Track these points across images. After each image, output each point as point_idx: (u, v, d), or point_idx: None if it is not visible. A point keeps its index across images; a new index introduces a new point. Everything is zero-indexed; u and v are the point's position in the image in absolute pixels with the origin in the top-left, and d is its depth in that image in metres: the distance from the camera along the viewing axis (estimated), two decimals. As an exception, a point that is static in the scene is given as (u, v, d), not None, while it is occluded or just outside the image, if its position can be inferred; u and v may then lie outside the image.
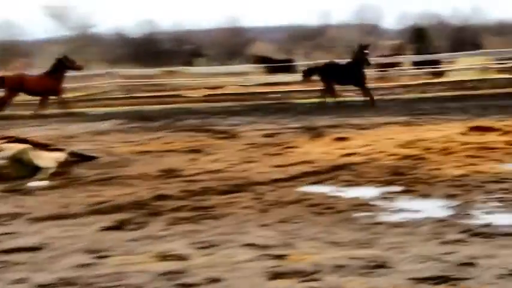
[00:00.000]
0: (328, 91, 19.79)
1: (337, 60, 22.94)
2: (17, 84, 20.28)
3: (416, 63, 32.93)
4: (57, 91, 20.45)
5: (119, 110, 20.48)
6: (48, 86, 20.28)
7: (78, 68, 22.01)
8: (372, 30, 69.08)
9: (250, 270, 4.07)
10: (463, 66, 30.52)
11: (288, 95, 26.34)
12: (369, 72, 31.47)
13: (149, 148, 10.47)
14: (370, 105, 18.16)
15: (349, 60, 20.61)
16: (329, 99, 19.49)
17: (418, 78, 29.90)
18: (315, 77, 20.54)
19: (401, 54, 35.99)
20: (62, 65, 20.73)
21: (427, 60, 31.94)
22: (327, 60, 23.34)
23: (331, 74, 19.71)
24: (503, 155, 8.20)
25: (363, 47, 19.97)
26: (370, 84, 29.72)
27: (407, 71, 30.37)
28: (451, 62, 33.26)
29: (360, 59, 19.63)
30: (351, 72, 19.45)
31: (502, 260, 4.05)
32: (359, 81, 19.49)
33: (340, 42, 64.37)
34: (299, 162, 8.34)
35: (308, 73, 20.90)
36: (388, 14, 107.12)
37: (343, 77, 19.63)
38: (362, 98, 19.40)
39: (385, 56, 37.65)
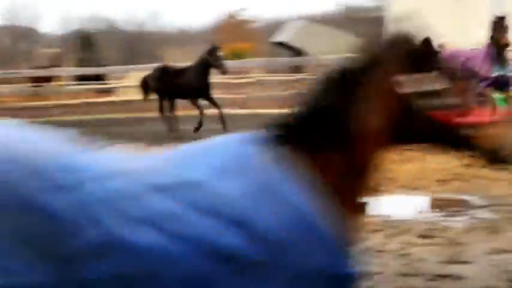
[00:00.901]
0: (162, 108, 17.73)
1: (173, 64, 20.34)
2: None
3: (79, 78, 32.58)
4: None
5: None
6: None
7: None
8: (27, 34, 68.01)
9: None
10: (136, 84, 30.78)
11: None
12: (17, 89, 30.57)
13: None
14: (223, 128, 16.00)
15: (191, 64, 18.13)
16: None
17: (79, 96, 29.46)
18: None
19: (59, 66, 35.55)
20: None
21: (92, 75, 31.70)
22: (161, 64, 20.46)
23: (166, 84, 17.69)
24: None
25: (214, 49, 17.58)
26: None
27: (68, 87, 29.95)
28: (121, 78, 33.42)
29: (210, 63, 17.41)
30: (195, 80, 17.24)
31: None
32: (206, 92, 17.39)
33: (-16, 48, 62.42)
34: None
35: (145, 87, 18.69)
36: (47, 16, 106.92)
37: (184, 88, 17.43)
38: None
39: (42, 67, 36.95)
